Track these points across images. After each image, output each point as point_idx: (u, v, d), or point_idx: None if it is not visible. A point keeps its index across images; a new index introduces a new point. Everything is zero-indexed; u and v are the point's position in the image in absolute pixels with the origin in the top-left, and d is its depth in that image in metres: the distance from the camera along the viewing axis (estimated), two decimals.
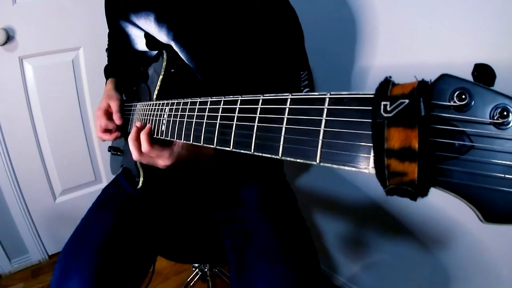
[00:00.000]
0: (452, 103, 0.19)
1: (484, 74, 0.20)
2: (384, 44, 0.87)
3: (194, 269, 1.32)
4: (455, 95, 0.19)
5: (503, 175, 0.18)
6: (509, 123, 0.18)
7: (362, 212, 1.11)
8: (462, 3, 0.69)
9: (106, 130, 0.78)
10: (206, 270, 1.19)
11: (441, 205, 0.85)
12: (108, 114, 0.78)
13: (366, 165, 0.22)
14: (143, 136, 0.57)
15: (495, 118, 0.19)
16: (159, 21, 0.70)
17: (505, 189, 0.18)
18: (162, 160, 0.57)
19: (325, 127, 0.24)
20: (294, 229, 0.69)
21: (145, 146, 0.56)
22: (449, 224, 0.86)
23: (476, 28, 0.68)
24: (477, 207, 0.19)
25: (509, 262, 0.77)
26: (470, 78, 0.20)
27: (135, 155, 0.58)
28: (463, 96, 0.19)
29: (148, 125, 0.59)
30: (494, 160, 0.19)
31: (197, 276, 1.31)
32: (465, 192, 0.19)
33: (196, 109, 0.44)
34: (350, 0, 0.91)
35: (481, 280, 0.83)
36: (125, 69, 0.87)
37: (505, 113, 0.18)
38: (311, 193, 1.28)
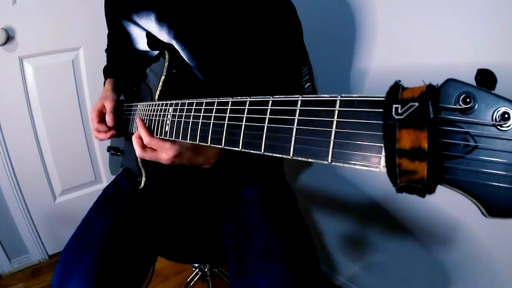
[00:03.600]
0: (457, 106, 0.21)
1: (486, 78, 0.21)
2: (383, 45, 0.88)
3: (194, 269, 1.32)
4: (461, 98, 0.21)
5: (504, 173, 0.20)
6: (509, 125, 0.20)
7: (362, 212, 1.12)
8: (461, 5, 0.70)
9: (100, 131, 0.79)
10: (206, 270, 1.20)
11: (442, 205, 0.86)
12: (101, 115, 0.78)
13: (377, 164, 0.23)
14: (141, 130, 0.58)
15: (497, 120, 0.20)
16: (160, 20, 0.70)
17: (506, 185, 0.20)
18: (165, 153, 0.56)
19: (336, 128, 0.26)
20: (294, 228, 0.69)
21: (146, 138, 0.57)
22: (450, 225, 0.87)
23: (475, 30, 0.70)
24: (480, 203, 0.20)
25: (509, 262, 0.77)
26: (472, 81, 0.22)
27: (138, 151, 0.59)
28: (468, 100, 0.21)
29: (138, 118, 0.61)
30: (496, 159, 0.20)
31: (197, 276, 1.31)
32: (469, 188, 0.21)
33: (203, 109, 0.44)
34: (350, 0, 0.93)
35: (481, 280, 0.84)
36: (125, 69, 0.87)
37: (506, 115, 0.20)
38: (311, 193, 1.29)
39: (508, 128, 0.20)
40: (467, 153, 0.21)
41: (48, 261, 1.54)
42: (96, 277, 0.61)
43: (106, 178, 1.59)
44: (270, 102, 0.33)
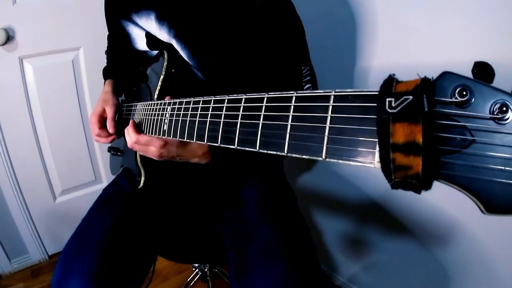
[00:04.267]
0: (453, 99, 0.20)
1: (483, 71, 0.21)
2: (384, 43, 0.88)
3: (194, 269, 1.32)
4: (457, 91, 0.20)
5: (503, 168, 0.19)
6: (508, 118, 0.19)
7: (362, 212, 1.11)
8: (461, 2, 0.70)
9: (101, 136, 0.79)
10: (206, 270, 1.19)
11: (441, 205, 0.85)
12: (102, 120, 0.79)
13: (371, 160, 0.22)
14: (130, 128, 0.62)
15: (495, 113, 0.19)
16: (160, 19, 0.70)
17: (505, 180, 0.19)
18: (153, 144, 0.58)
19: (330, 123, 0.25)
20: (294, 228, 0.69)
21: (132, 135, 0.61)
22: (450, 224, 0.86)
23: (475, 27, 0.69)
24: (478, 199, 0.20)
25: (509, 262, 0.77)
26: (470, 75, 0.21)
27: (129, 142, 0.63)
28: (464, 93, 0.20)
29: (131, 120, 0.65)
30: (494, 154, 0.19)
31: (197, 276, 1.31)
32: (466, 184, 0.20)
33: (199, 108, 0.44)
34: (351, 0, 0.92)
35: (481, 280, 0.84)
36: (125, 70, 0.88)
37: (504, 108, 0.19)
38: (311, 192, 1.29)
39: (507, 122, 0.19)
40: (464, 147, 0.20)
41: (48, 261, 1.54)
42: (96, 277, 0.61)
43: (106, 178, 1.59)
44: (265, 99, 0.33)
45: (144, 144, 0.60)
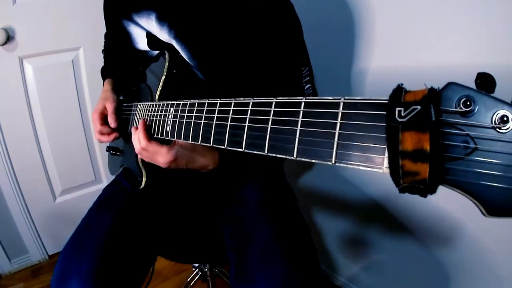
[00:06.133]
0: (458, 109, 0.21)
1: (485, 82, 0.22)
2: (382, 45, 0.89)
3: (194, 269, 1.32)
4: (461, 101, 0.21)
5: (503, 174, 0.20)
6: (508, 127, 0.21)
7: (362, 212, 1.12)
8: (460, 5, 0.71)
9: (103, 133, 0.79)
10: (206, 270, 1.20)
11: (442, 206, 0.86)
12: (104, 117, 0.78)
13: (380, 165, 0.24)
14: (140, 134, 0.59)
15: (496, 123, 0.21)
16: (160, 20, 0.70)
17: (505, 186, 0.20)
18: (161, 157, 0.57)
19: (340, 129, 0.26)
20: (294, 229, 0.69)
21: (143, 141, 0.58)
22: (449, 225, 0.87)
23: (474, 32, 0.70)
24: (480, 203, 0.21)
25: (509, 262, 0.78)
26: (471, 84, 0.22)
27: (137, 147, 0.60)
28: (468, 103, 0.21)
29: (141, 119, 0.61)
30: (496, 160, 0.21)
31: (197, 276, 1.31)
32: (469, 189, 0.21)
33: (205, 110, 0.44)
34: (349, 2, 0.93)
35: (481, 280, 0.84)
36: (124, 69, 0.87)
37: (505, 118, 0.21)
38: (311, 193, 1.29)
39: (507, 131, 0.21)
40: (467, 154, 0.21)
41: (48, 261, 1.54)
42: (96, 277, 0.60)
43: (106, 178, 1.59)
44: (274, 103, 0.33)
45: (152, 153, 0.59)
